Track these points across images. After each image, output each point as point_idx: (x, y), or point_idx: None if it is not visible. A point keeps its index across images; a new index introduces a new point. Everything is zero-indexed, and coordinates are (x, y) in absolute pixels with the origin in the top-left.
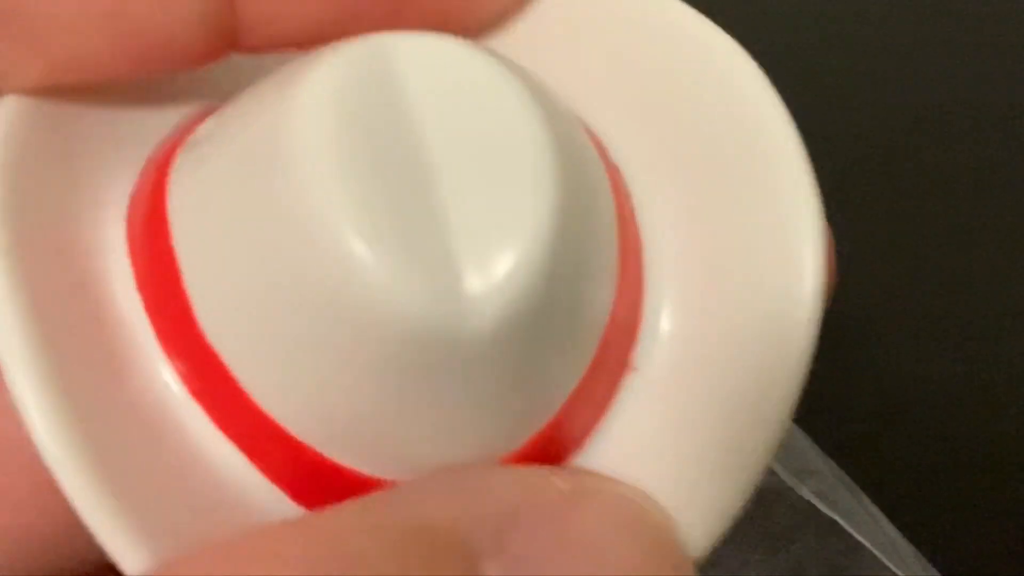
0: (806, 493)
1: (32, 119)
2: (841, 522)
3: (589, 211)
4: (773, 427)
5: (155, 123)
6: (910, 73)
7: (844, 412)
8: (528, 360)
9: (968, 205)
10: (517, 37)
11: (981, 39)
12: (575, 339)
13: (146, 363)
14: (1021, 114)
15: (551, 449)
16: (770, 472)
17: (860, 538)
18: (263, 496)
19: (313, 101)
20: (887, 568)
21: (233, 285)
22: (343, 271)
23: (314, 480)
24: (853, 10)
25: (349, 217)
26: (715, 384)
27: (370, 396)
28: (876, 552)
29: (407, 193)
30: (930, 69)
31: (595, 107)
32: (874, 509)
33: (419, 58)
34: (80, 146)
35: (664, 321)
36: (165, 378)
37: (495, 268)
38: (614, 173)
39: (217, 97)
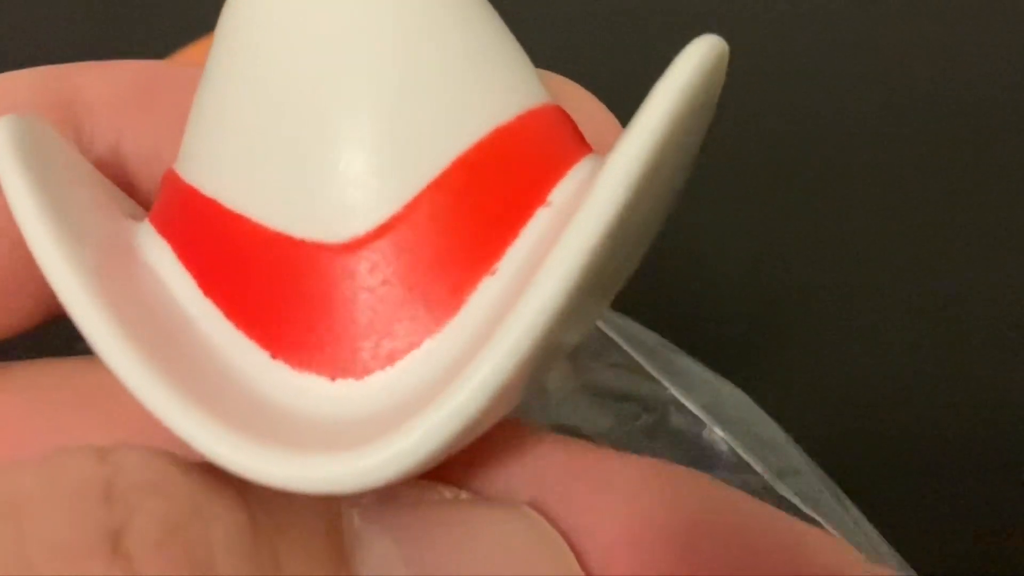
0: (786, 492)
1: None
2: (822, 522)
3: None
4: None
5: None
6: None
7: (826, 412)
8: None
9: (949, 203)
10: None
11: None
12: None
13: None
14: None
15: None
16: (751, 471)
17: (841, 538)
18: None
19: None
20: None
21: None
22: None
23: None
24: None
25: None
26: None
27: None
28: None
29: None
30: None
31: None
32: (855, 510)
33: None
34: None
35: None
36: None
37: None
38: None
39: None
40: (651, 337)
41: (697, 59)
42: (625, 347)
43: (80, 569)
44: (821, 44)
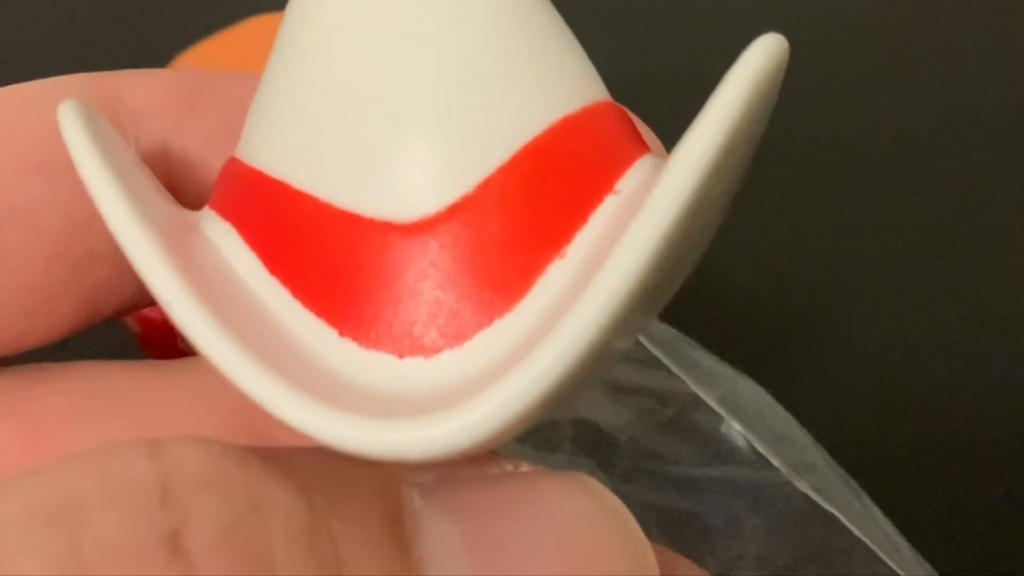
0: (804, 487)
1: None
2: (839, 517)
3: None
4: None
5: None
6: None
7: (843, 407)
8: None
9: (968, 206)
10: None
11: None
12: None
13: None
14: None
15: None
16: (769, 466)
17: (859, 534)
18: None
19: None
20: (884, 564)
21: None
22: None
23: None
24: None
25: None
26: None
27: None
28: (874, 548)
29: None
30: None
31: None
32: (872, 506)
33: None
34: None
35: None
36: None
37: None
38: None
39: None
40: (669, 332)
41: (768, 50)
42: (643, 341)
43: (139, 574)
44: (857, 49)
